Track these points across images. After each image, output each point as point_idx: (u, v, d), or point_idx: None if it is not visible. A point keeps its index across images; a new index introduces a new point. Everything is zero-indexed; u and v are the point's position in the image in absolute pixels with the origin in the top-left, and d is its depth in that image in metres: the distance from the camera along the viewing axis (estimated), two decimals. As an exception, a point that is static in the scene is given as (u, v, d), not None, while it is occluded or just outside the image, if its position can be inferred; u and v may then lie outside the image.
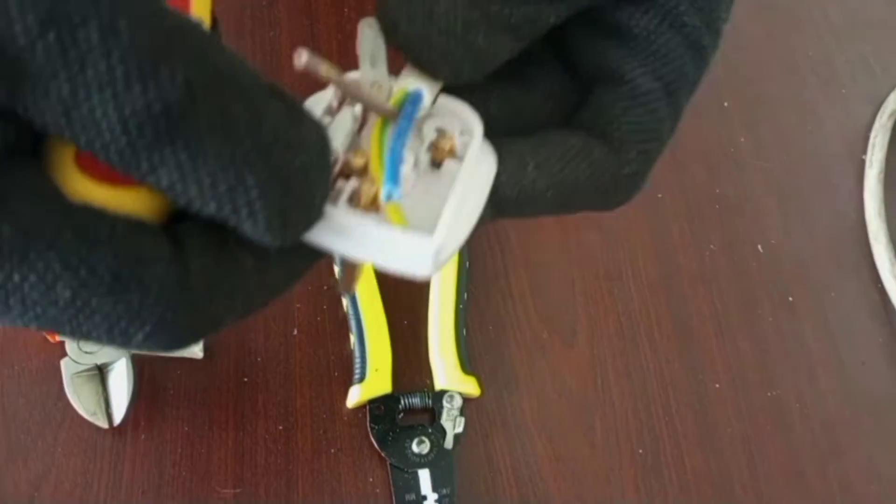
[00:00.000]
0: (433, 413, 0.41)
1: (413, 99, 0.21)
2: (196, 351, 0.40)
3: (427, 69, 0.21)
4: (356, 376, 0.41)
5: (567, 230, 0.46)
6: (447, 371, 0.41)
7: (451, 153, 0.21)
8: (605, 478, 0.41)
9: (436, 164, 0.21)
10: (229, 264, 0.18)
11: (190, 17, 0.16)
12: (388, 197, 0.19)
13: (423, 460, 0.39)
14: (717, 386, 0.44)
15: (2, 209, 0.15)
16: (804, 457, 0.43)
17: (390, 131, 0.20)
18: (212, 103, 0.16)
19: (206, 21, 0.20)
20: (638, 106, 0.22)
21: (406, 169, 0.20)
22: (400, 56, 0.21)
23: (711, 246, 0.47)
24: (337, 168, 0.20)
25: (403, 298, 0.43)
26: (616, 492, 0.41)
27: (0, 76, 0.15)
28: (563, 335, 0.44)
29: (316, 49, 0.50)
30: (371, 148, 0.20)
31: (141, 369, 0.39)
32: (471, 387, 0.41)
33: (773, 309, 0.46)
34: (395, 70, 0.22)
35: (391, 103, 0.21)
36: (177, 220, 0.18)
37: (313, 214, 0.18)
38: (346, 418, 0.40)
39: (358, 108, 0.21)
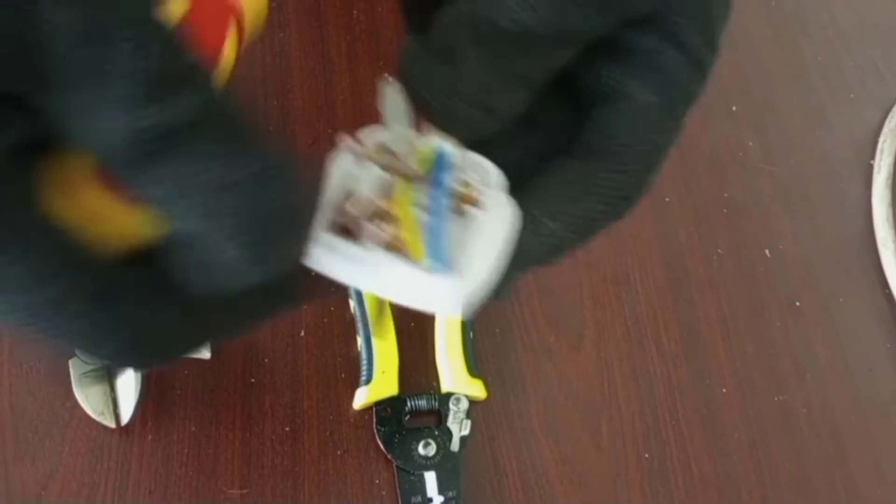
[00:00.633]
0: (439, 415, 0.41)
1: (441, 162, 0.22)
2: (204, 352, 0.40)
3: (451, 133, 0.22)
4: (363, 378, 0.41)
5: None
6: (454, 373, 0.41)
7: (473, 202, 0.22)
8: (612, 481, 0.41)
9: (459, 211, 0.22)
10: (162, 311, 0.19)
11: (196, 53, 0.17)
12: (435, 270, 0.21)
13: (429, 462, 0.39)
14: (724, 390, 0.44)
15: None
16: (811, 462, 0.43)
17: (427, 201, 0.22)
18: (215, 132, 0.17)
19: (232, 59, 0.21)
20: (637, 119, 0.23)
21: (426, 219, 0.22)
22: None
23: (719, 250, 0.47)
24: (368, 213, 0.21)
25: (411, 301, 0.43)
26: (622, 496, 0.41)
27: (31, 73, 0.16)
28: (570, 338, 0.44)
29: (325, 51, 0.50)
30: (401, 201, 0.21)
31: (148, 369, 0.39)
32: (477, 389, 0.41)
33: (780, 314, 0.46)
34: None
35: (418, 161, 0.22)
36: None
37: (290, 255, 0.19)
38: (352, 420, 0.40)
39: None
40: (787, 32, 0.55)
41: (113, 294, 0.18)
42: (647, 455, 0.42)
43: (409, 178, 0.22)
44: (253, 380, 0.41)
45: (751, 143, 0.51)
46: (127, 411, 0.38)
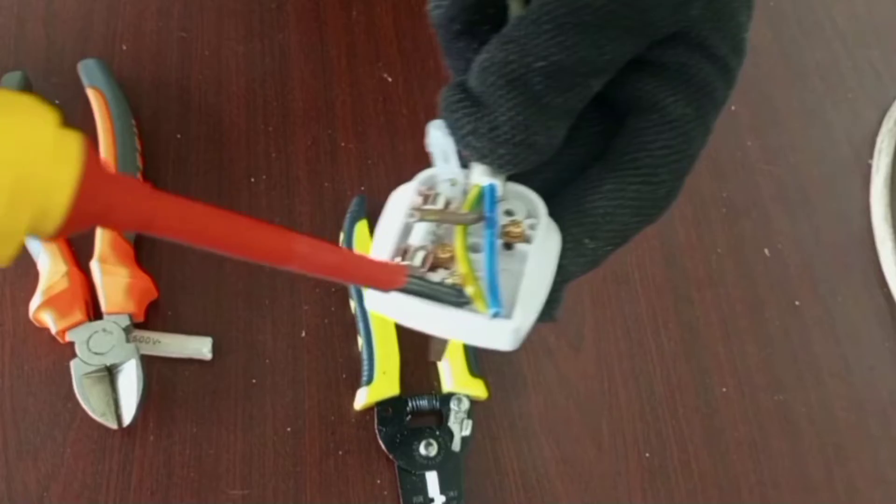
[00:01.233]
0: (441, 415, 0.41)
1: (490, 202, 0.23)
2: (205, 352, 0.40)
3: (496, 170, 0.23)
4: (364, 379, 0.41)
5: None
6: (454, 374, 0.41)
7: (522, 237, 0.24)
8: (613, 481, 0.41)
9: (508, 245, 0.24)
10: None
11: None
12: (496, 315, 0.22)
13: (430, 462, 0.39)
14: (724, 390, 0.44)
15: None
16: (810, 460, 0.43)
17: (480, 242, 0.23)
18: None
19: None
20: (669, 131, 0.23)
21: (479, 258, 0.23)
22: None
23: (718, 250, 0.47)
24: (428, 262, 0.23)
25: (411, 301, 0.43)
26: (623, 495, 0.41)
27: None
28: (570, 338, 0.44)
29: (324, 53, 0.50)
30: (457, 250, 0.23)
31: (150, 371, 0.39)
32: (478, 389, 0.41)
33: (779, 313, 0.46)
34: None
35: (468, 201, 0.23)
36: None
37: None
38: (353, 420, 0.41)
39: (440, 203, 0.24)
40: (786, 33, 0.55)
41: None
42: (647, 454, 0.42)
43: (461, 223, 0.23)
44: (254, 380, 0.41)
45: (750, 143, 0.51)
46: (129, 412, 0.38)
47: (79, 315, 0.39)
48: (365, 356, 0.41)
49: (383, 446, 0.40)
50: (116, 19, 0.49)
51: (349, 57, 0.50)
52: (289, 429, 0.40)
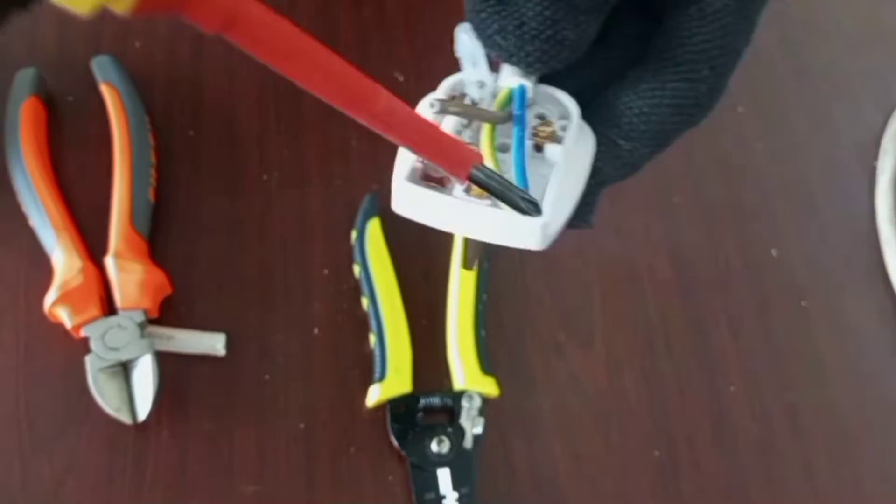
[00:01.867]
0: (452, 413, 0.41)
1: (520, 102, 0.22)
2: (219, 349, 0.40)
3: (525, 70, 0.22)
4: (376, 376, 0.41)
5: (584, 233, 0.46)
6: (466, 371, 0.41)
7: (553, 137, 0.23)
8: (622, 478, 0.41)
9: (539, 147, 0.23)
10: None
11: None
12: (521, 210, 0.21)
13: (442, 459, 0.40)
14: (732, 388, 0.44)
15: None
16: (817, 459, 0.43)
17: (509, 141, 0.22)
18: None
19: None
20: (707, 24, 0.22)
21: (508, 157, 0.22)
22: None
23: (726, 250, 0.48)
24: None
25: (423, 299, 0.43)
26: (632, 492, 0.41)
27: None
28: (580, 337, 0.44)
29: (336, 50, 0.50)
30: (484, 145, 0.22)
31: (164, 366, 0.39)
32: (490, 387, 0.41)
33: (786, 313, 0.47)
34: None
35: (497, 102, 0.22)
36: None
37: None
38: (366, 417, 0.41)
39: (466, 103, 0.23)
40: (792, 37, 0.55)
41: None
42: (656, 452, 0.42)
43: (489, 121, 0.22)
44: (267, 377, 0.41)
45: (757, 145, 0.51)
46: (143, 407, 0.38)
47: (94, 310, 0.39)
48: (377, 353, 0.41)
49: (395, 443, 0.40)
50: (129, 17, 0.49)
51: (361, 55, 0.50)
52: (301, 425, 0.40)
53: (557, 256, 0.46)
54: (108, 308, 0.40)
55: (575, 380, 0.43)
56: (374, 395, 0.40)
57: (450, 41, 0.55)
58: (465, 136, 0.23)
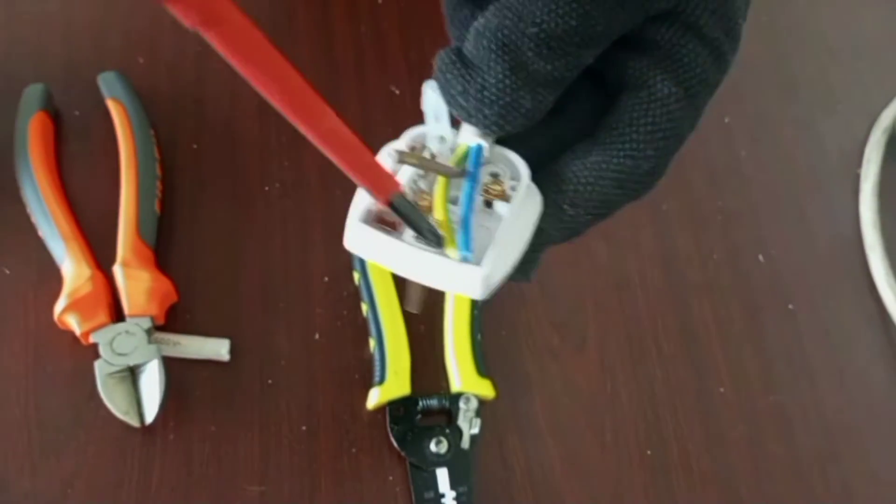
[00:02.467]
0: (450, 414, 0.42)
1: (474, 159, 0.24)
2: (223, 354, 0.42)
3: (483, 131, 0.24)
4: (376, 379, 0.42)
5: (577, 241, 0.48)
6: (463, 374, 0.43)
7: (502, 196, 0.25)
8: (615, 478, 0.43)
9: (489, 203, 0.25)
10: None
11: None
12: (465, 259, 0.23)
13: (440, 459, 0.41)
14: (722, 390, 0.45)
15: None
16: (805, 459, 0.44)
17: (462, 193, 0.24)
18: None
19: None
20: (655, 109, 0.24)
21: (457, 209, 0.24)
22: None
23: (714, 256, 0.49)
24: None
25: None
26: (625, 491, 0.42)
27: None
28: (573, 341, 0.46)
29: (333, 64, 0.51)
30: (436, 197, 0.24)
31: (170, 371, 0.40)
32: (486, 389, 0.42)
33: (774, 316, 0.48)
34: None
35: (454, 157, 0.24)
36: None
37: None
38: (366, 419, 0.42)
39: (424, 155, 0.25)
40: (777, 47, 0.57)
41: None
42: (648, 452, 0.43)
43: (445, 174, 0.24)
44: (270, 381, 0.42)
45: (743, 153, 0.53)
46: (151, 411, 0.39)
47: (102, 317, 0.40)
48: (377, 357, 0.42)
49: (395, 444, 0.41)
50: (133, 33, 0.50)
51: (358, 70, 0.52)
52: (304, 427, 0.41)
53: (551, 263, 0.47)
54: (116, 315, 0.41)
55: (569, 382, 0.45)
56: (374, 398, 0.42)
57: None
58: (421, 185, 0.25)
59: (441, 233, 0.23)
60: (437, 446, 0.41)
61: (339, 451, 0.41)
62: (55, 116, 0.46)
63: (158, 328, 0.41)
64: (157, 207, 0.44)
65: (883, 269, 0.49)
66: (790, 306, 0.48)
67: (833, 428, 0.45)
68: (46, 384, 0.41)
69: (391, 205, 0.22)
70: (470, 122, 0.24)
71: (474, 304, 0.44)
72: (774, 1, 0.58)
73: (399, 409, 0.42)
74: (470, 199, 0.24)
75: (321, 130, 0.20)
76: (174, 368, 0.41)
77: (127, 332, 0.40)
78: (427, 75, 0.52)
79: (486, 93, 0.23)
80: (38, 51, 0.49)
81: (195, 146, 0.48)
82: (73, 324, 0.40)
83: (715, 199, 0.51)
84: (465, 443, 0.41)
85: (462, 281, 0.24)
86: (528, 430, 0.43)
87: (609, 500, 0.42)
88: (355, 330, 0.44)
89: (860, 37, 0.58)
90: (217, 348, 0.41)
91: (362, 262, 0.44)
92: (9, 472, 0.38)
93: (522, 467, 0.42)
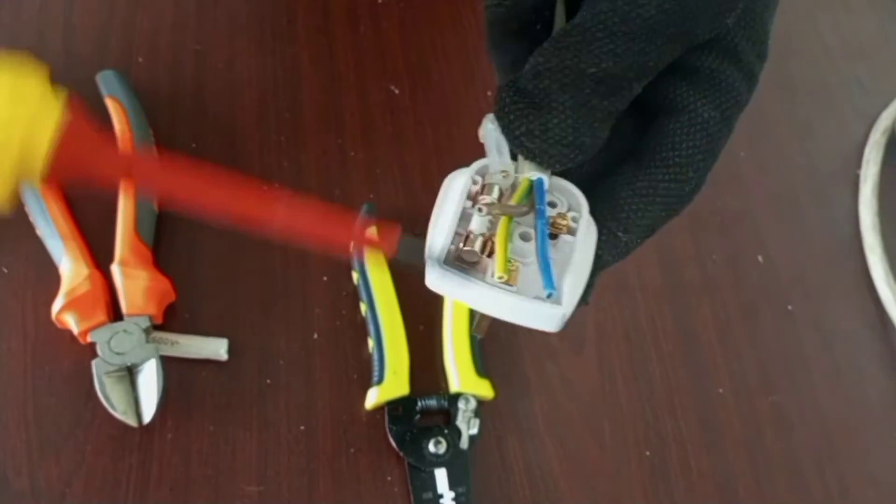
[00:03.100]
0: (449, 415, 0.42)
1: (540, 196, 0.25)
2: (221, 353, 0.41)
3: (545, 167, 0.25)
4: (374, 379, 0.42)
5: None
6: (462, 374, 0.43)
7: (567, 229, 0.25)
8: (614, 478, 0.43)
9: (553, 236, 0.25)
10: None
11: None
12: (550, 295, 0.24)
13: (439, 460, 0.41)
14: (721, 391, 0.45)
15: None
16: (804, 460, 0.44)
17: (537, 233, 0.25)
18: None
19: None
20: (697, 132, 0.25)
21: (528, 245, 0.25)
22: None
23: (714, 257, 0.49)
24: (487, 248, 0.25)
25: (420, 304, 0.44)
26: (624, 492, 0.42)
27: None
28: (572, 342, 0.46)
29: (334, 66, 0.51)
30: (499, 237, 0.25)
31: (168, 371, 0.40)
32: (485, 390, 0.42)
33: (772, 317, 0.48)
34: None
35: (518, 193, 0.25)
36: None
37: None
38: (364, 419, 0.42)
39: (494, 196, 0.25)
40: (776, 50, 0.56)
41: None
42: (647, 453, 0.43)
43: (512, 215, 0.25)
44: (268, 381, 0.42)
45: (742, 155, 0.53)
46: (149, 410, 0.39)
47: (100, 316, 0.40)
48: (375, 357, 0.42)
49: (394, 444, 0.41)
50: (133, 33, 0.50)
51: (357, 70, 0.52)
52: (302, 427, 0.41)
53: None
54: (114, 314, 0.41)
55: (568, 383, 0.44)
56: (373, 398, 0.42)
57: (442, 57, 0.57)
58: (472, 226, 0.25)
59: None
60: (435, 447, 0.41)
61: (337, 451, 0.41)
62: (54, 115, 0.46)
63: (157, 327, 0.41)
64: (155, 206, 0.44)
65: (882, 271, 0.49)
66: (789, 307, 0.48)
67: (831, 428, 0.45)
68: (44, 383, 0.40)
69: (396, 259, 0.24)
70: (535, 162, 0.25)
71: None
72: (773, 3, 0.58)
73: (398, 410, 0.42)
74: (544, 237, 0.24)
75: (278, 226, 0.20)
76: (172, 368, 0.41)
77: (125, 331, 0.40)
78: (426, 75, 0.52)
79: (550, 133, 0.24)
80: (38, 49, 0.49)
81: (194, 145, 0.48)
82: (71, 323, 0.40)
83: (714, 199, 0.51)
84: (464, 443, 0.41)
85: (542, 318, 0.24)
86: (526, 431, 0.43)
87: (608, 500, 0.42)
88: (354, 330, 0.44)
89: (859, 39, 0.59)
90: (215, 348, 0.41)
91: (361, 261, 0.44)
92: (7, 472, 0.38)
93: (521, 468, 0.42)
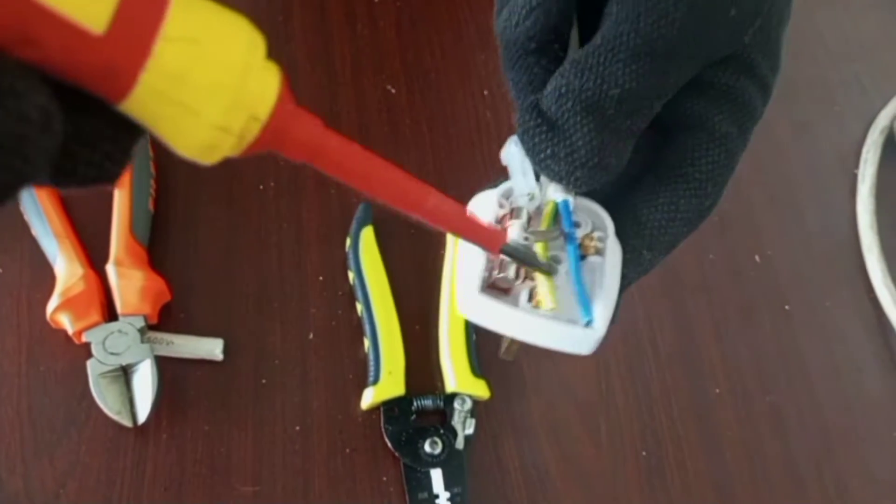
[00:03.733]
0: (444, 415, 0.42)
1: (568, 219, 0.25)
2: (216, 353, 0.41)
3: (570, 189, 0.25)
4: (370, 379, 0.42)
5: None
6: (458, 374, 0.42)
7: (596, 250, 0.25)
8: (611, 479, 0.42)
9: (581, 256, 0.25)
10: None
11: None
12: (589, 323, 0.24)
13: (435, 460, 0.41)
14: (718, 391, 0.45)
15: None
16: (801, 459, 0.44)
17: (569, 259, 0.25)
18: None
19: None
20: (716, 147, 0.25)
21: (562, 270, 0.25)
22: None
23: (711, 256, 0.49)
24: (521, 274, 0.25)
25: (416, 304, 0.44)
26: (621, 492, 0.42)
27: None
28: (568, 341, 0.45)
29: (330, 64, 0.51)
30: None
31: (163, 371, 0.40)
32: (481, 390, 0.42)
33: (770, 317, 0.48)
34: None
35: (545, 216, 0.25)
36: None
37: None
38: (360, 419, 0.42)
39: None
40: (774, 48, 0.57)
41: None
42: (644, 453, 0.43)
43: (546, 240, 0.25)
44: (264, 381, 0.42)
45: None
46: (143, 411, 0.39)
47: (95, 316, 0.40)
48: (371, 357, 0.42)
49: (389, 444, 0.41)
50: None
51: (354, 69, 0.51)
52: (298, 427, 0.41)
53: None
54: (109, 314, 0.41)
55: (564, 382, 0.44)
56: (369, 398, 0.42)
57: (439, 57, 0.57)
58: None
59: (552, 264, 0.24)
60: (431, 447, 0.41)
61: (333, 451, 0.41)
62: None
63: (151, 327, 0.41)
64: (150, 206, 0.44)
65: (880, 270, 0.49)
66: (786, 307, 0.48)
67: (828, 428, 0.45)
68: (39, 383, 0.40)
69: (503, 252, 0.23)
70: (560, 184, 0.25)
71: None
72: (772, 1, 0.58)
73: (393, 410, 0.42)
74: (578, 263, 0.24)
75: (425, 211, 0.21)
76: (167, 368, 0.41)
77: (119, 331, 0.40)
78: (423, 75, 0.52)
79: (575, 155, 0.23)
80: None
81: (190, 145, 0.47)
82: (66, 323, 0.40)
83: (711, 199, 0.51)
84: (460, 443, 0.41)
85: (577, 342, 0.24)
86: (522, 431, 0.43)
87: (604, 501, 0.42)
88: (350, 330, 0.44)
89: (857, 39, 0.58)
90: (211, 348, 0.41)
91: (357, 261, 0.44)
92: (1, 472, 0.38)
93: (517, 468, 0.42)
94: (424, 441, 0.41)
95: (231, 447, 0.40)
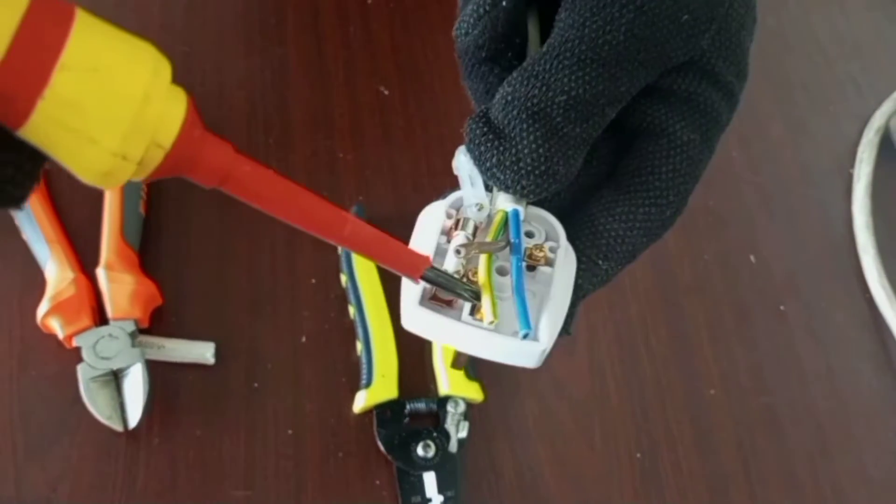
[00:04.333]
0: (438, 418, 0.42)
1: (515, 229, 0.24)
2: (208, 357, 0.41)
3: (521, 198, 0.24)
4: (363, 382, 0.42)
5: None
6: (451, 377, 0.42)
7: (545, 261, 0.24)
8: (605, 481, 0.42)
9: (531, 267, 0.25)
10: None
11: None
12: (526, 336, 0.23)
13: (428, 463, 0.40)
14: (712, 392, 0.45)
15: None
16: (796, 460, 0.44)
17: (512, 269, 0.24)
18: None
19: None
20: (677, 155, 0.25)
21: (505, 280, 0.24)
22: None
23: (705, 257, 0.49)
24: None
25: (409, 307, 0.44)
26: (615, 494, 0.42)
27: None
28: (563, 343, 0.45)
29: (323, 67, 0.51)
30: (482, 274, 0.24)
31: (154, 375, 0.40)
32: (474, 392, 0.42)
33: (765, 317, 0.48)
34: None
35: (493, 227, 0.24)
36: None
37: None
38: (353, 423, 0.42)
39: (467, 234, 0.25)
40: (770, 49, 0.57)
41: None
42: (638, 454, 0.43)
43: (490, 251, 0.24)
44: (256, 385, 0.42)
45: (735, 154, 0.52)
46: (134, 415, 0.39)
47: (86, 321, 0.40)
48: (364, 360, 0.42)
49: (382, 448, 0.41)
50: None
51: (347, 71, 0.51)
52: (290, 431, 0.41)
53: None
54: (100, 318, 0.41)
55: (558, 384, 0.44)
56: (361, 401, 0.41)
57: (432, 58, 0.57)
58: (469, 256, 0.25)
59: (478, 289, 0.23)
60: (424, 450, 0.40)
61: (325, 454, 0.41)
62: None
63: (143, 331, 0.41)
64: (142, 209, 0.44)
65: (875, 271, 0.49)
66: (781, 307, 0.48)
67: (824, 429, 0.45)
68: (30, 388, 0.40)
69: (424, 279, 0.23)
70: (507, 193, 0.24)
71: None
72: (767, 3, 0.58)
73: (386, 413, 0.41)
74: (520, 274, 0.23)
75: (342, 238, 0.21)
76: (159, 372, 0.40)
77: (110, 335, 0.40)
78: (416, 77, 0.52)
79: (521, 164, 0.23)
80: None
81: (182, 148, 0.47)
82: (56, 327, 0.40)
83: (706, 199, 0.51)
84: (453, 446, 0.41)
85: (521, 355, 0.24)
86: (516, 434, 0.43)
87: (598, 502, 0.42)
88: (342, 333, 0.43)
89: (852, 38, 0.58)
90: (202, 351, 0.41)
91: (349, 264, 0.44)
92: (-9, 477, 0.38)
93: (511, 471, 0.42)
94: (417, 444, 0.41)
95: (223, 451, 0.40)
